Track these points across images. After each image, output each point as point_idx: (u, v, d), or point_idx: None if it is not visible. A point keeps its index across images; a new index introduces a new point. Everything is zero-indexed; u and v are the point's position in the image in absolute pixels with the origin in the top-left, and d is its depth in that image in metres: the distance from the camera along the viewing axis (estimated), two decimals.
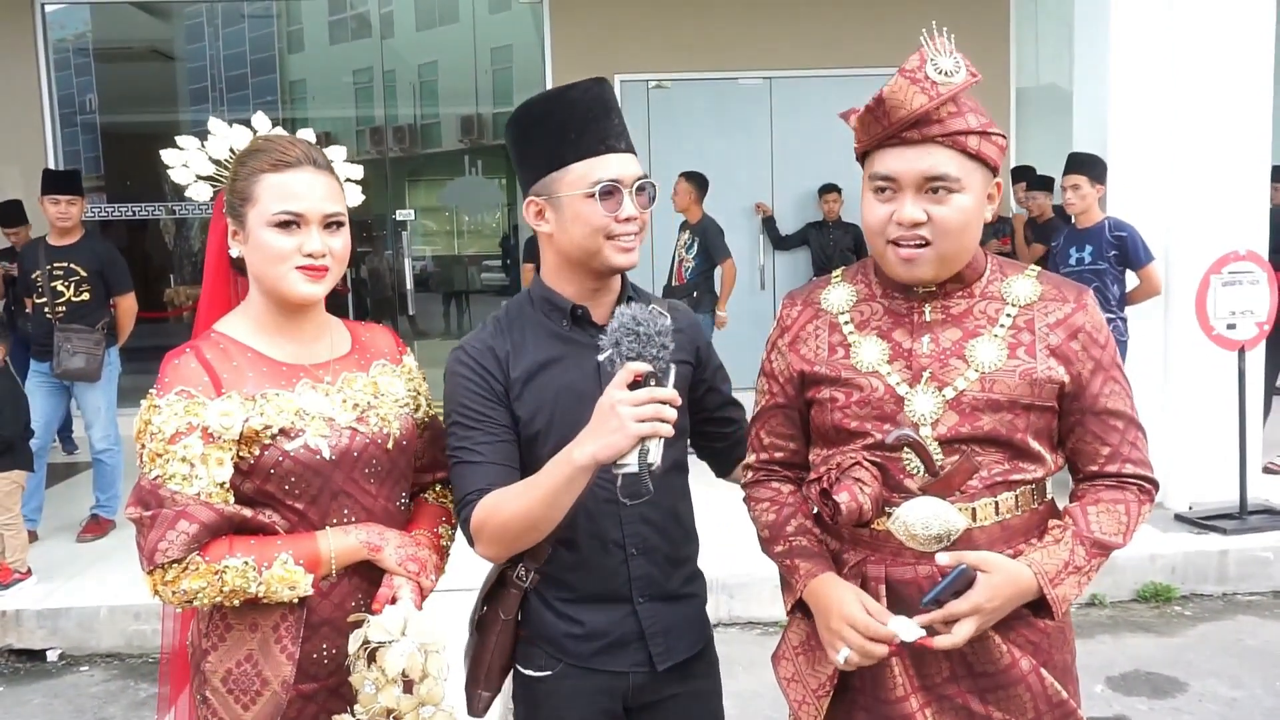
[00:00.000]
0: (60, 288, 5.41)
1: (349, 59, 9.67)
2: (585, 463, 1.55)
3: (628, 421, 1.49)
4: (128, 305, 5.62)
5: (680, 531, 1.89)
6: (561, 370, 1.78)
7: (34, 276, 5.46)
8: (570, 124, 1.73)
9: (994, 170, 1.63)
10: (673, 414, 1.51)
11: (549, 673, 1.83)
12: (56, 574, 4.89)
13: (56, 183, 5.56)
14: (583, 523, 1.77)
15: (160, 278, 9.32)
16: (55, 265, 5.42)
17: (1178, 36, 5.30)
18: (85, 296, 5.43)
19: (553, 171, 1.75)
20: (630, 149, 1.77)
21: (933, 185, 1.57)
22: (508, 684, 1.93)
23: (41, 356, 5.46)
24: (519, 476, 1.73)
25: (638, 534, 1.81)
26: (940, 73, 1.56)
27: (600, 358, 1.55)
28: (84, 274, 5.42)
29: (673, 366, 1.55)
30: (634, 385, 1.52)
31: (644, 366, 1.51)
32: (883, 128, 1.59)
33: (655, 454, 1.51)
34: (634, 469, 1.52)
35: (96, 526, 5.52)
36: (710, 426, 1.97)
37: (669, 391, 1.52)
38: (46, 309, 5.39)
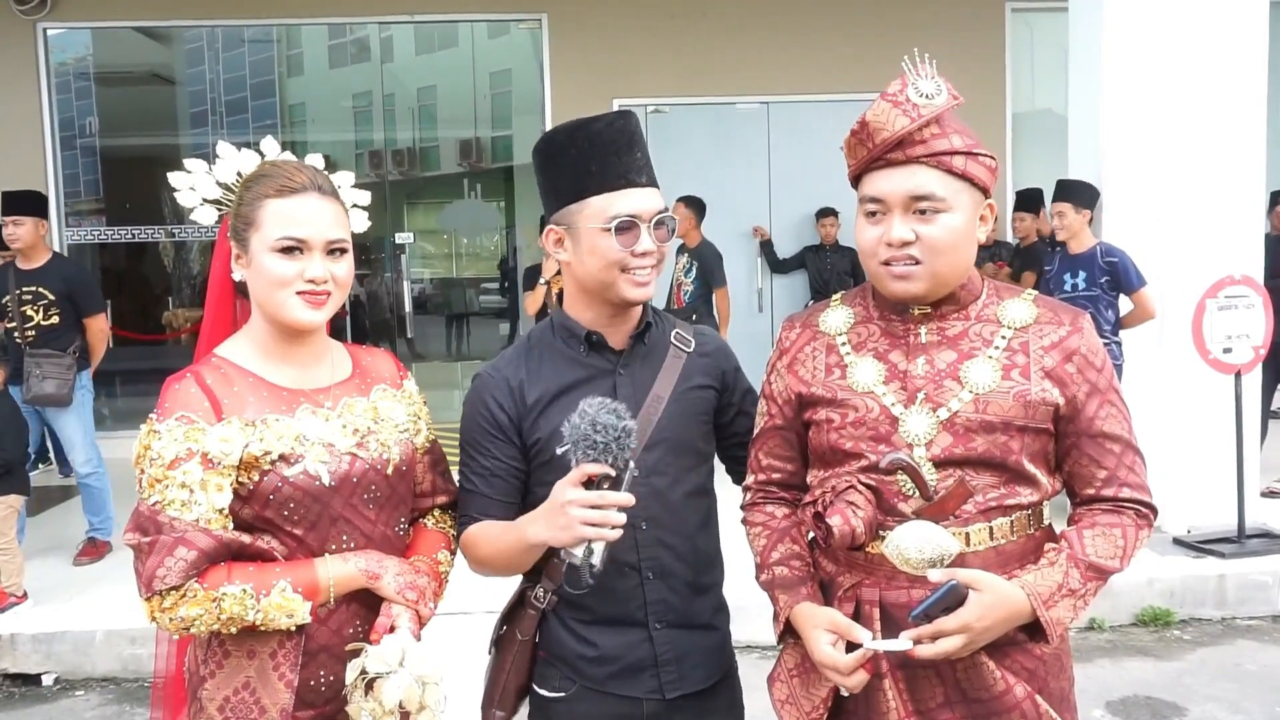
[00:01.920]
0: (30, 312, 5.35)
1: (349, 83, 9.73)
2: (535, 543, 1.66)
3: (574, 522, 1.57)
4: (98, 327, 5.58)
5: (701, 558, 1.89)
6: (577, 396, 1.78)
7: (4, 301, 5.41)
8: (592, 157, 1.76)
9: (984, 191, 1.65)
10: (621, 518, 1.57)
11: (564, 694, 1.83)
12: (52, 597, 4.87)
13: (6, 203, 5.50)
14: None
15: (159, 301, 9.33)
16: (24, 290, 5.37)
17: (1171, 61, 5.34)
18: (55, 320, 5.38)
19: (573, 203, 1.78)
20: (652, 183, 1.79)
21: (919, 206, 1.60)
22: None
23: (19, 380, 5.39)
24: (506, 507, 1.81)
25: (654, 558, 1.82)
26: (921, 95, 1.60)
27: (558, 450, 1.61)
28: (52, 297, 5.37)
29: (630, 466, 1.59)
30: (589, 484, 1.58)
31: (599, 469, 1.57)
32: (867, 150, 1.62)
33: (598, 555, 1.59)
34: (577, 562, 1.60)
35: (93, 549, 5.49)
36: (739, 451, 1.94)
37: (622, 497, 1.58)
38: (17, 334, 5.34)
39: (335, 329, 1.82)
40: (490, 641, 1.93)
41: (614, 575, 1.80)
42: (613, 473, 1.57)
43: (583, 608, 1.82)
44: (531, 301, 6.75)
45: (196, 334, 1.89)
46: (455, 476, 1.93)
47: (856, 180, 1.69)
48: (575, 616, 1.83)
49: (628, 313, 1.85)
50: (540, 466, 1.81)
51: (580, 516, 1.56)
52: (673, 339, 1.89)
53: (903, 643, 1.54)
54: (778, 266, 8.52)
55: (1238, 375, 5.16)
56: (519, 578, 1.91)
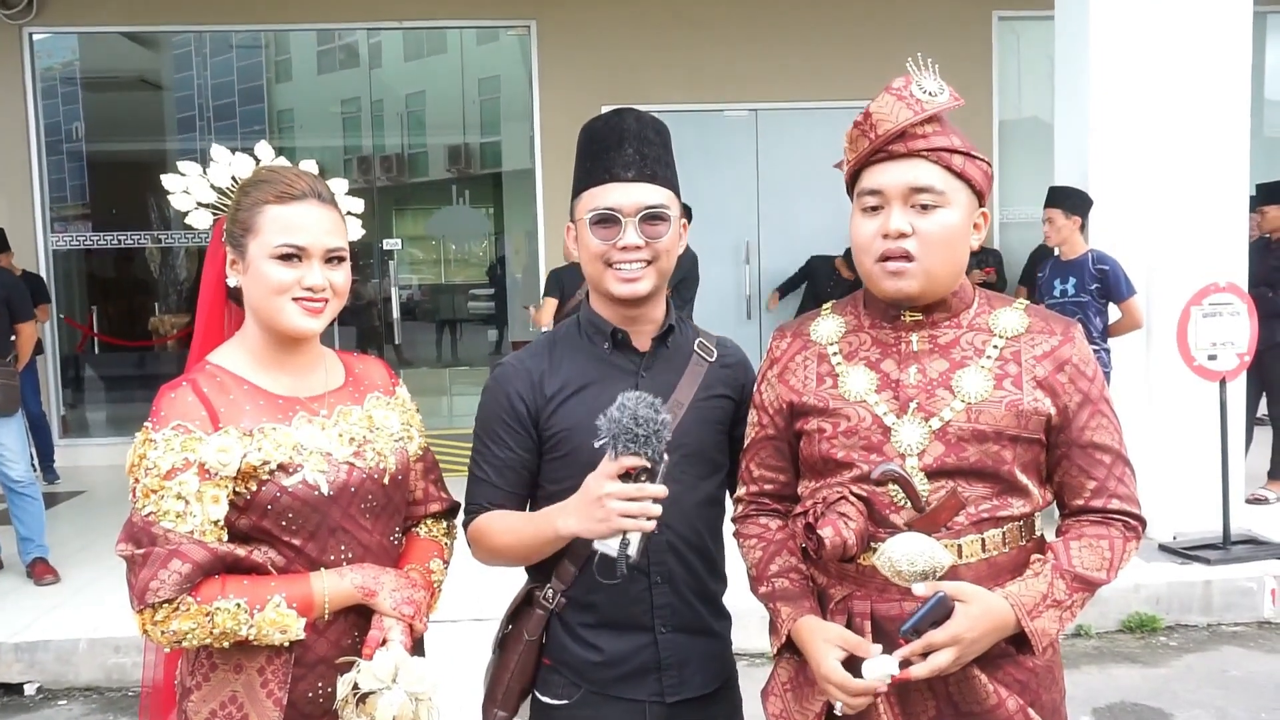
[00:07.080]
0: None
1: (337, 89, 9.70)
2: (566, 534, 1.65)
3: (612, 514, 1.56)
4: (30, 331, 5.62)
5: (708, 566, 1.90)
6: (598, 392, 1.79)
7: None
8: (588, 154, 1.83)
9: (980, 197, 1.66)
10: (658, 510, 1.57)
11: (567, 701, 1.83)
12: (34, 605, 4.82)
13: None
14: None
15: (145, 307, 9.27)
16: None
17: (1156, 69, 5.38)
18: None
19: (574, 199, 1.85)
20: (645, 179, 1.80)
21: (918, 199, 1.61)
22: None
23: None
24: (516, 500, 1.82)
25: (663, 563, 1.82)
26: (924, 92, 1.63)
27: (596, 444, 1.59)
28: None
29: (665, 459, 1.59)
30: (625, 475, 1.57)
31: (638, 461, 1.56)
32: (869, 141, 1.63)
33: (634, 546, 1.57)
34: (612, 554, 1.58)
35: (48, 568, 5.24)
36: None
37: (658, 489, 1.57)
38: None
39: (324, 336, 1.81)
40: (494, 641, 1.93)
41: (623, 578, 1.81)
42: (649, 465, 1.57)
43: (590, 609, 1.82)
44: (545, 314, 6.48)
45: (182, 340, 1.87)
46: (448, 482, 1.92)
47: (853, 180, 1.69)
48: (581, 620, 1.83)
49: (646, 313, 1.85)
50: (553, 461, 1.81)
51: (618, 509, 1.55)
52: (696, 347, 1.90)
53: (891, 669, 1.52)
54: (788, 287, 8.44)
55: (1222, 382, 5.19)
56: (519, 582, 1.90)
